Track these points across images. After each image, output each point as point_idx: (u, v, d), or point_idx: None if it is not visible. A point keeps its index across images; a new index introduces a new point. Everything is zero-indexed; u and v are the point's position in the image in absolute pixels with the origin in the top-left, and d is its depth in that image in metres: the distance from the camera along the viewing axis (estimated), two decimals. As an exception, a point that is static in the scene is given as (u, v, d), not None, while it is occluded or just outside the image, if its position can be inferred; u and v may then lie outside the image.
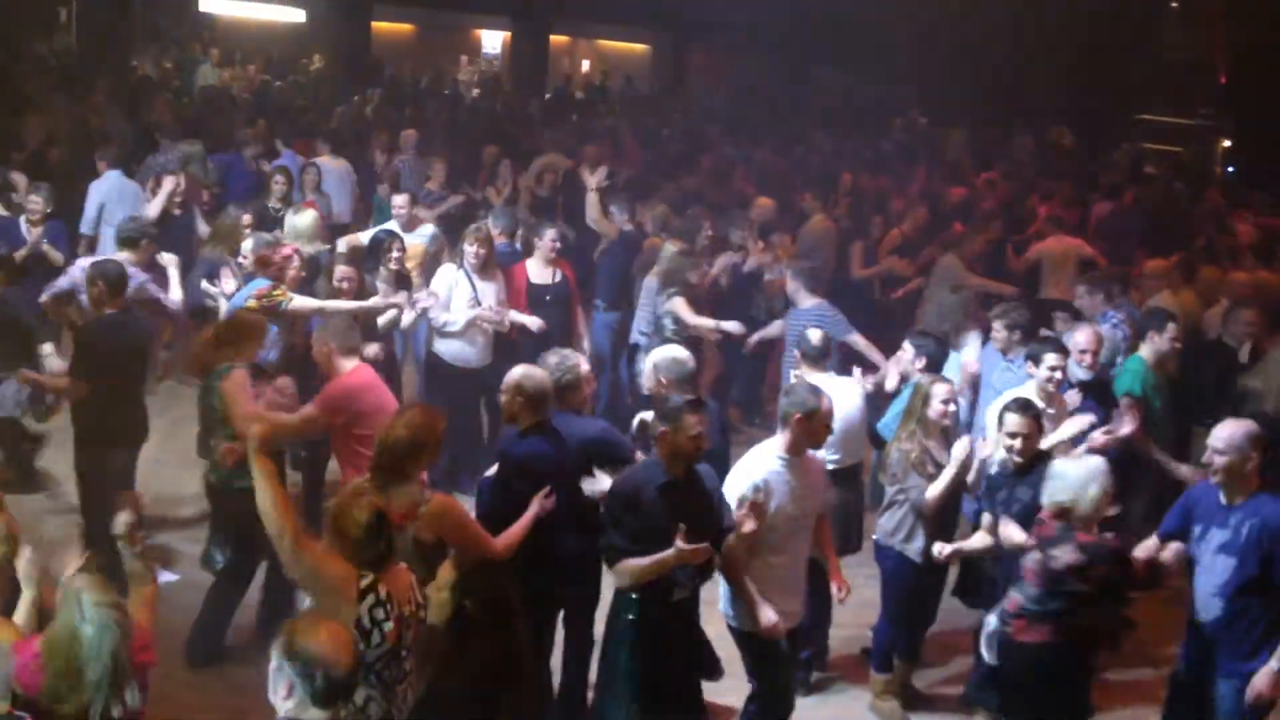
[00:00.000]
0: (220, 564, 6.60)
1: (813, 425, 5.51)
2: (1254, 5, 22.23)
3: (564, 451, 5.61)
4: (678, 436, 5.24)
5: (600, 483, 5.73)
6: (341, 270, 8.18)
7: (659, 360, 6.45)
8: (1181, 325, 8.17)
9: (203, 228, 10.33)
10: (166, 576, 7.37)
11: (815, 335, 7.07)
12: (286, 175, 11.22)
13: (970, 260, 11.03)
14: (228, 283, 8.13)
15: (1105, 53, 23.06)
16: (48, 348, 7.74)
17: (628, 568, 5.17)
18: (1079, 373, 7.18)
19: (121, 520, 4.42)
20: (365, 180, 13.18)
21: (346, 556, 4.37)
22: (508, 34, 28.01)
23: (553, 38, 27.10)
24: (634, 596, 5.27)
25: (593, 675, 5.86)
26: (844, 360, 7.75)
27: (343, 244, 9.43)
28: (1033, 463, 5.93)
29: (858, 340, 8.46)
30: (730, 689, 6.08)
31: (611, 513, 5.29)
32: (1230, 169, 21.91)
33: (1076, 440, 6.61)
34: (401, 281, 8.81)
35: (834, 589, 6.04)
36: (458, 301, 8.60)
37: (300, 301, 7.66)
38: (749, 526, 5.20)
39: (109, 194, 10.47)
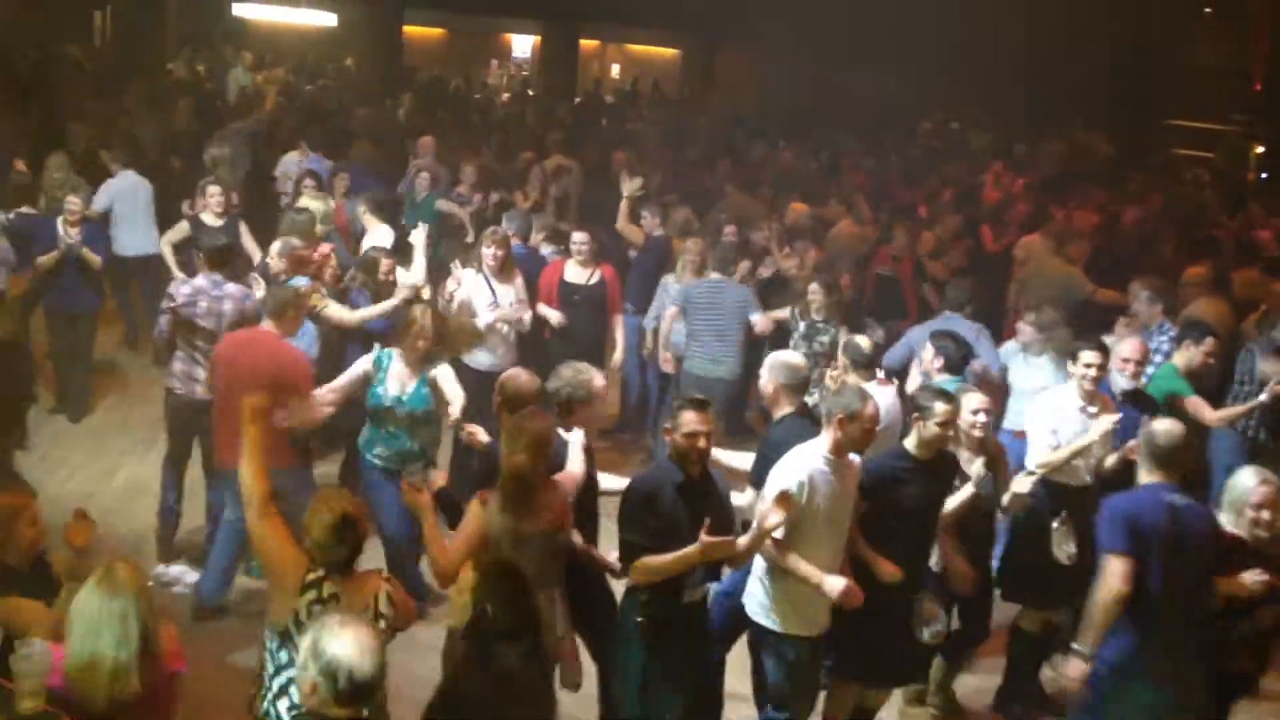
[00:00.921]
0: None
1: (855, 428, 5.42)
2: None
3: None
4: (675, 434, 5.26)
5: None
6: (385, 264, 8.64)
7: (774, 363, 6.37)
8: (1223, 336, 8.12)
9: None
10: (190, 577, 7.51)
11: (865, 342, 7.03)
12: (316, 179, 11.27)
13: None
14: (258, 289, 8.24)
15: (1139, 58, 22.95)
16: None
17: (649, 564, 5.16)
18: (1121, 381, 7.10)
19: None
20: (397, 181, 13.19)
21: (306, 550, 4.49)
22: (538, 38, 28.10)
23: (582, 42, 27.16)
24: (643, 598, 5.27)
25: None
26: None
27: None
28: None
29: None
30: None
31: (630, 511, 5.27)
32: (1264, 175, 21.77)
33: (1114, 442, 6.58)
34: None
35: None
36: (477, 305, 8.64)
37: (334, 309, 8.11)
38: (774, 520, 5.17)
39: (120, 193, 10.70)
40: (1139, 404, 7.05)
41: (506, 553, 5.11)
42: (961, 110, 21.98)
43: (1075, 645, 5.26)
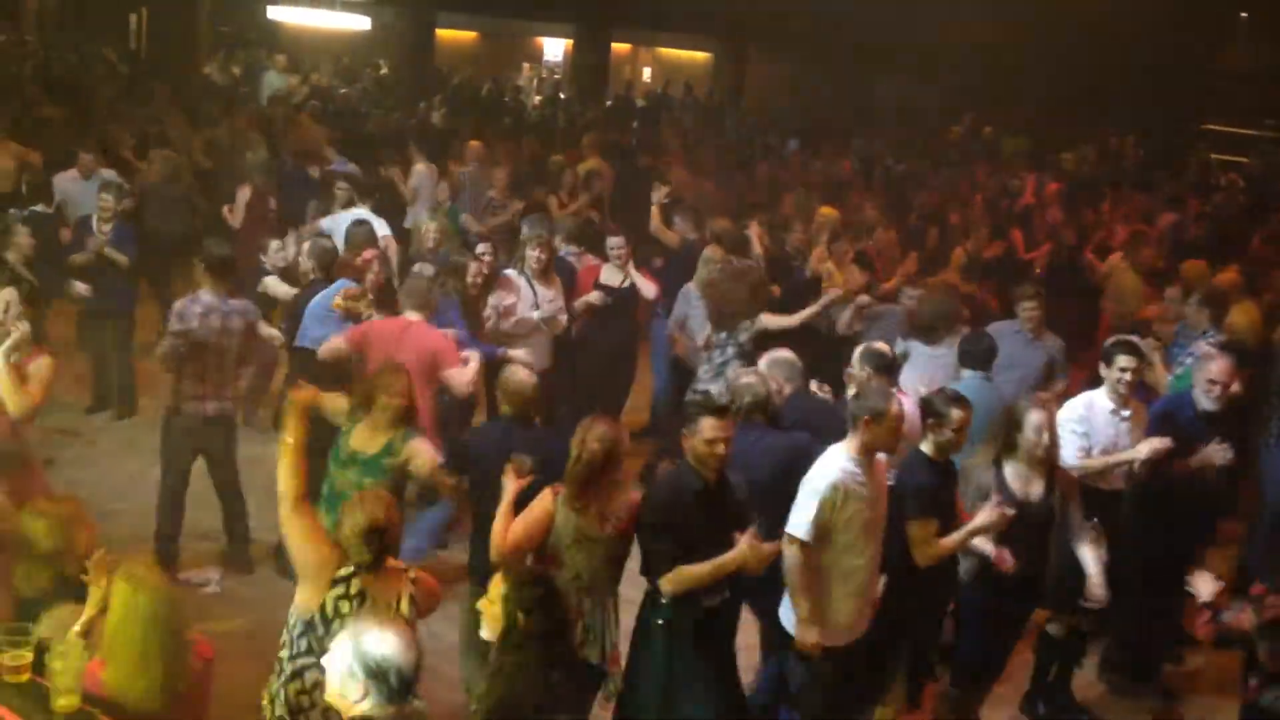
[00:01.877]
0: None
1: (881, 428, 5.37)
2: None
3: (509, 444, 5.64)
4: (694, 440, 5.19)
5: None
6: (473, 266, 8.68)
7: (771, 363, 6.45)
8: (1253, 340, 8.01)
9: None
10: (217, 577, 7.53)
11: (884, 348, 6.98)
12: (354, 182, 11.28)
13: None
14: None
15: (1174, 62, 22.81)
16: None
17: (687, 574, 5.09)
18: (1205, 402, 6.75)
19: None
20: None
21: (338, 545, 4.57)
22: (569, 41, 28.16)
23: (614, 45, 27.20)
24: (663, 601, 5.20)
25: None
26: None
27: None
28: None
29: None
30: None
31: (656, 521, 5.20)
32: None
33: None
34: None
35: None
36: (521, 307, 8.73)
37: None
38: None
39: (68, 190, 10.77)
40: (1214, 425, 6.68)
41: (565, 550, 5.13)
42: (993, 115, 21.87)
43: None
